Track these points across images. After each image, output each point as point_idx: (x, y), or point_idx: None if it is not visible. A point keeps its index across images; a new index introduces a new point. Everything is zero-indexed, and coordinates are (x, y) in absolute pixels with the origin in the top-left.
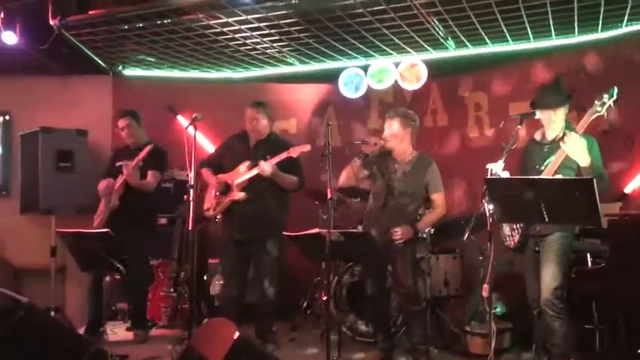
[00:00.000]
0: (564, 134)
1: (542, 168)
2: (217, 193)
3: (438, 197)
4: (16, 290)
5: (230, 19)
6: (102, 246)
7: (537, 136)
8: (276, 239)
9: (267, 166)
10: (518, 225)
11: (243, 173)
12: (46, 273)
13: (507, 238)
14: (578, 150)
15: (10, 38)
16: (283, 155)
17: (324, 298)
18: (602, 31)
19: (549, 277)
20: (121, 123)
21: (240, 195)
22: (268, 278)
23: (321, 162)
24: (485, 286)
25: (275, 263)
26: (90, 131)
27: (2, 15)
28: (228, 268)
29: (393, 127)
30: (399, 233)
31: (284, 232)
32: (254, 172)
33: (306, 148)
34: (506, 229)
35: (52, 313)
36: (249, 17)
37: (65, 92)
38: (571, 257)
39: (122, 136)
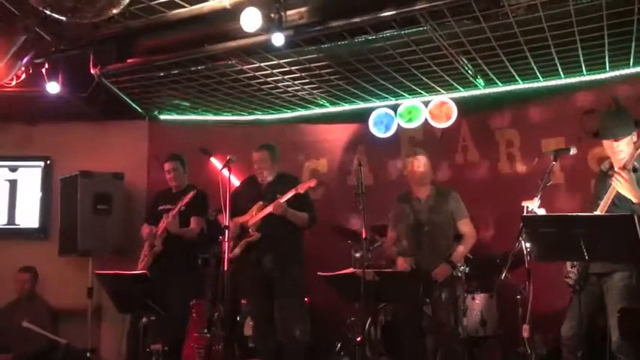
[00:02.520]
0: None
1: (600, 202)
2: (232, 236)
3: (465, 223)
4: (54, 331)
5: (262, 64)
6: (139, 287)
7: (604, 166)
8: (295, 276)
9: (277, 205)
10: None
11: (257, 214)
12: (83, 314)
13: (569, 274)
14: (626, 186)
15: (54, 88)
16: (291, 192)
17: (359, 340)
18: (633, 65)
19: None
20: (168, 166)
21: (254, 235)
22: (294, 319)
23: (353, 201)
24: (525, 326)
25: (297, 302)
26: (126, 174)
27: (47, 66)
28: (254, 310)
29: (426, 164)
30: (438, 273)
31: (319, 273)
32: (266, 211)
33: (312, 183)
34: (567, 265)
35: (88, 354)
36: (281, 61)
37: (103, 137)
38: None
39: (166, 177)
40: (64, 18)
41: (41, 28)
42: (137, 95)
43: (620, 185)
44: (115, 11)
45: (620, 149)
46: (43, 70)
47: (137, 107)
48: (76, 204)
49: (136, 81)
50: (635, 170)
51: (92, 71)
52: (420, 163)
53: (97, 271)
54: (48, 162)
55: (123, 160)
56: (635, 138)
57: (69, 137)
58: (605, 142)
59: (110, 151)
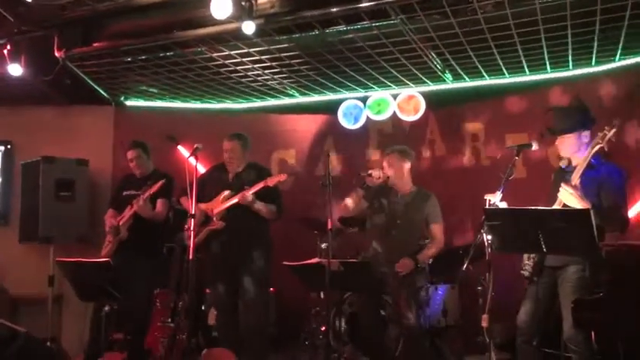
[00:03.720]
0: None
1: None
2: (197, 223)
3: (436, 228)
4: (13, 319)
5: (232, 52)
6: (101, 275)
7: (562, 163)
8: (260, 266)
9: (245, 195)
10: (533, 254)
11: (222, 203)
12: (44, 302)
13: (525, 267)
14: (570, 200)
15: (16, 70)
16: (260, 185)
17: (323, 329)
18: (596, 64)
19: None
20: (130, 154)
21: (218, 224)
22: (258, 308)
23: (320, 192)
24: (485, 316)
25: (262, 291)
26: (91, 161)
27: (9, 47)
28: (218, 299)
29: (394, 163)
30: (401, 266)
31: (285, 262)
32: (233, 201)
33: (282, 177)
34: (524, 257)
35: (49, 343)
36: (250, 50)
37: (67, 122)
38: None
39: (130, 165)
40: None
41: (3, 8)
42: (103, 80)
43: (564, 196)
44: None
45: (566, 145)
46: (5, 52)
47: (103, 92)
48: (38, 190)
49: (102, 65)
50: (591, 167)
51: (57, 54)
52: (388, 165)
53: (58, 259)
54: (9, 146)
55: (87, 146)
56: (586, 134)
57: (31, 121)
58: (558, 139)
59: (74, 136)
